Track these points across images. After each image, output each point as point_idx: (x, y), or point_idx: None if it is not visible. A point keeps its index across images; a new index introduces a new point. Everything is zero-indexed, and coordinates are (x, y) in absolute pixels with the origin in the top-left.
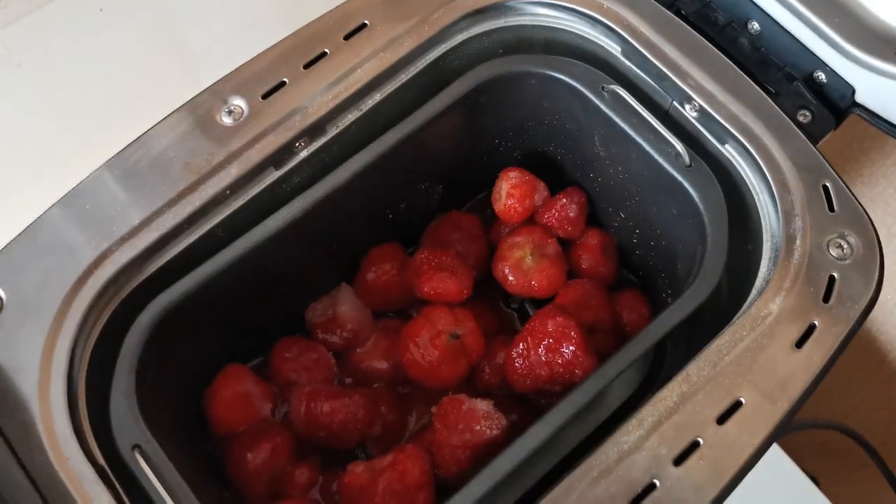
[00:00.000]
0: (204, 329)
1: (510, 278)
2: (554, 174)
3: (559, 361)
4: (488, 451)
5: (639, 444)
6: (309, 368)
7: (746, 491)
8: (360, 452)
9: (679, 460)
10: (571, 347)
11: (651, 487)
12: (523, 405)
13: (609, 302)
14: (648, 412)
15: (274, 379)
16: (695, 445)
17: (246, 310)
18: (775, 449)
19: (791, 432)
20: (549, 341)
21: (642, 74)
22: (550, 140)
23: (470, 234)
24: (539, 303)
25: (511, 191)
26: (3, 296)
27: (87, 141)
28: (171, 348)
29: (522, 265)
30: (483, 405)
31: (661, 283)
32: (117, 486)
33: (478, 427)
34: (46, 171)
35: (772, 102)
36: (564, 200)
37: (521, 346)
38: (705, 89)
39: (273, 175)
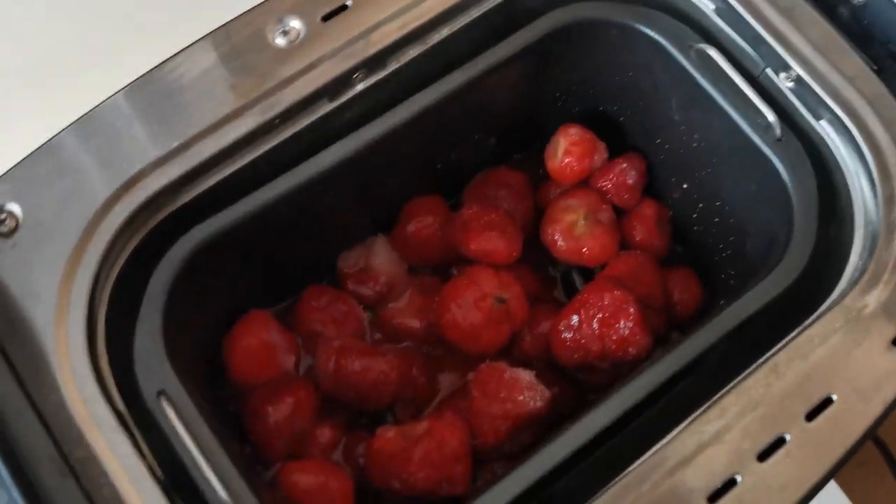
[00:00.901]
0: (231, 269)
1: (560, 243)
2: (612, 137)
3: (613, 338)
4: (528, 424)
5: (720, 435)
6: (337, 321)
7: None
8: (387, 415)
9: (763, 456)
10: (629, 324)
11: (731, 483)
12: (563, 378)
13: (661, 278)
14: (731, 401)
15: (297, 328)
16: (780, 441)
17: (278, 251)
18: None
19: None
20: (603, 315)
21: (735, 36)
22: (616, 99)
23: (517, 192)
24: (585, 271)
25: (570, 148)
26: (20, 212)
27: (104, 51)
28: (197, 287)
29: (574, 230)
30: (526, 375)
31: (721, 263)
32: (137, 434)
33: (521, 398)
34: (59, 85)
35: (878, 80)
36: (624, 165)
37: (572, 319)
38: (806, 57)
39: (327, 107)
